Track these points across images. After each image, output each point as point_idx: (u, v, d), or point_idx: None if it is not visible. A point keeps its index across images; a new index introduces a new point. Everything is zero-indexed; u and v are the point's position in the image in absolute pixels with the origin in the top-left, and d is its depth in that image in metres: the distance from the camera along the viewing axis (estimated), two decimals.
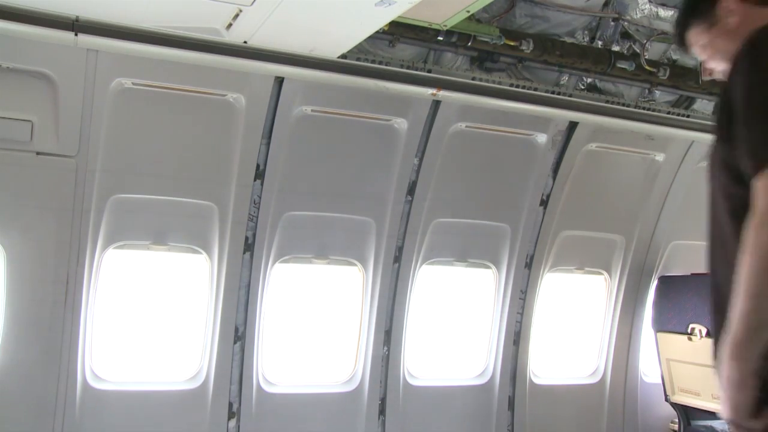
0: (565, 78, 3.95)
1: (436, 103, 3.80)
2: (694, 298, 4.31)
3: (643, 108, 4.19)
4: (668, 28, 3.85)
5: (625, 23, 3.80)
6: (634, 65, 3.84)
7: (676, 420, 4.68)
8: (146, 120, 3.36)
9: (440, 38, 3.40)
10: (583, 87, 4.04)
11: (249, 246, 3.69)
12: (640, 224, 4.68)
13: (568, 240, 4.51)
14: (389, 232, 3.97)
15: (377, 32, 3.05)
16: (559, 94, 3.93)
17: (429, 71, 3.60)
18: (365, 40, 3.12)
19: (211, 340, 3.68)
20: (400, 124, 3.80)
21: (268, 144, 3.59)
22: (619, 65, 3.82)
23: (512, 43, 3.54)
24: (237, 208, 3.61)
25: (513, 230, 4.28)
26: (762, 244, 1.56)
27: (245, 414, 3.76)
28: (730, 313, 1.65)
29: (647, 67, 3.86)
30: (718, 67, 2.19)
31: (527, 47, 3.56)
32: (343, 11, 2.66)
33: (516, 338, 4.36)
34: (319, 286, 4.04)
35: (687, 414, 4.55)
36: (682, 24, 2.26)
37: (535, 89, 3.85)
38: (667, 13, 3.81)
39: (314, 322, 4.06)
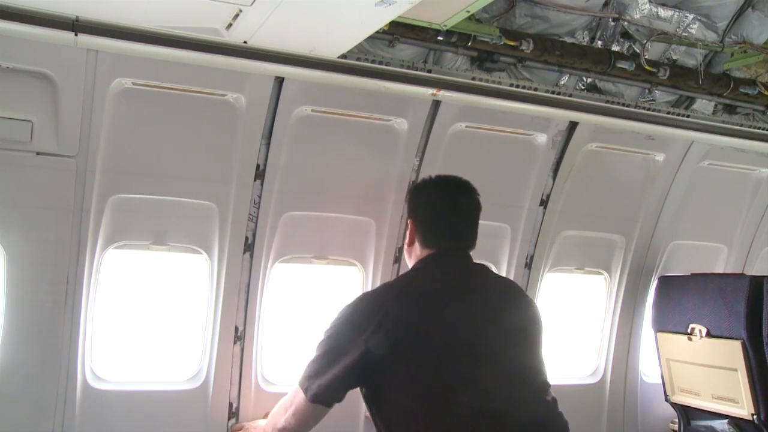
0: (565, 78, 3.95)
1: (436, 103, 3.80)
2: (694, 298, 4.31)
3: (643, 108, 4.19)
4: (668, 28, 3.86)
5: (625, 23, 3.80)
6: (634, 65, 3.84)
7: (677, 420, 4.68)
8: (146, 120, 3.36)
9: (440, 38, 3.40)
10: (583, 87, 4.04)
11: (249, 246, 3.69)
12: (640, 224, 4.68)
13: (568, 240, 4.51)
14: (389, 232, 3.97)
15: (377, 32, 3.05)
16: (559, 94, 3.93)
17: (429, 71, 3.60)
18: (365, 40, 3.12)
19: (211, 340, 3.68)
20: (400, 124, 3.80)
21: (268, 144, 3.59)
22: (619, 65, 3.82)
23: (512, 43, 3.54)
24: (237, 208, 3.60)
25: (513, 230, 4.28)
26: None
27: (245, 414, 3.76)
28: None
29: (647, 67, 3.86)
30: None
31: (527, 47, 3.56)
32: (343, 11, 2.66)
33: None
34: (320, 285, 4.04)
35: (687, 414, 4.55)
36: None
37: (535, 89, 3.85)
38: (667, 13, 3.81)
39: (316, 321, 4.06)
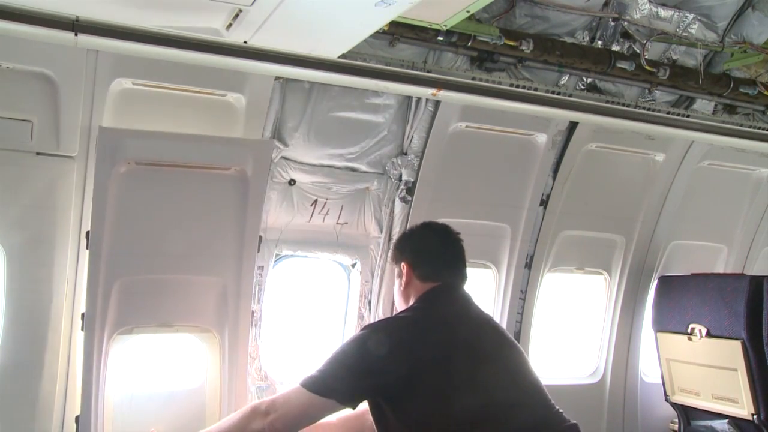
0: (565, 78, 3.95)
1: (436, 103, 3.80)
2: (694, 298, 4.32)
3: (643, 108, 4.19)
4: (668, 28, 3.86)
5: (625, 23, 3.80)
6: (634, 65, 3.84)
7: (677, 420, 4.68)
8: (146, 120, 3.36)
9: (440, 38, 3.40)
10: (583, 87, 4.04)
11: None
12: (640, 224, 4.68)
13: (568, 240, 4.51)
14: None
15: (377, 32, 3.05)
16: (559, 94, 3.93)
17: (429, 71, 3.60)
18: (365, 40, 3.12)
19: None
20: None
21: None
22: (619, 65, 3.82)
23: (512, 43, 3.54)
24: None
25: (513, 230, 4.29)
26: None
27: None
28: None
29: (647, 67, 3.86)
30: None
31: (527, 47, 3.56)
32: (343, 11, 2.66)
33: (516, 338, 4.37)
34: (323, 284, 4.05)
35: (687, 414, 4.55)
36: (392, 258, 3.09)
37: (535, 89, 3.85)
38: (667, 13, 3.81)
39: (314, 320, 4.07)
